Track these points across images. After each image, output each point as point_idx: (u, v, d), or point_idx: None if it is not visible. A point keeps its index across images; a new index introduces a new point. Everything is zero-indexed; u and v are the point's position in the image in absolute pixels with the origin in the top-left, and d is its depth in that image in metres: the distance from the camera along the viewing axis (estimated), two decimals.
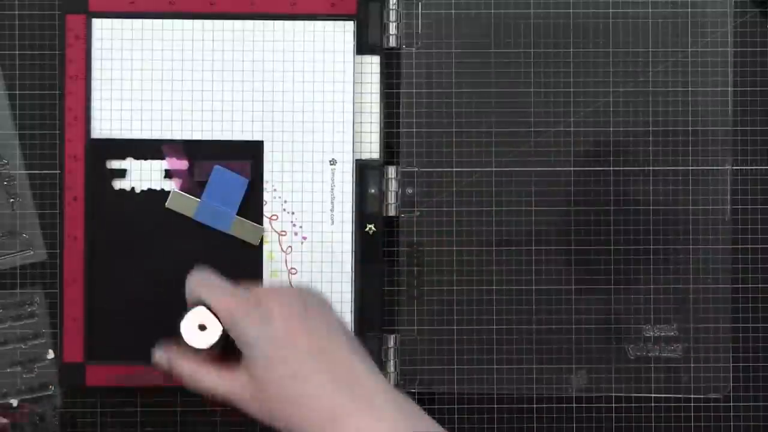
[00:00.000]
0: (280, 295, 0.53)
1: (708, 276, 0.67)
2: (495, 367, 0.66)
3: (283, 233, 0.66)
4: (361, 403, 0.50)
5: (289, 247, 0.66)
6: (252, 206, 0.66)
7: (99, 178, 0.65)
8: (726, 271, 0.67)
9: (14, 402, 0.65)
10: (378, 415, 0.50)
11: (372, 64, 0.66)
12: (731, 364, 0.67)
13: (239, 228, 0.65)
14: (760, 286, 0.67)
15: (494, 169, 0.67)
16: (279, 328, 0.51)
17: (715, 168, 0.67)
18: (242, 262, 0.65)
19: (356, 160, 0.66)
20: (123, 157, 0.65)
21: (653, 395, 0.67)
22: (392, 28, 0.66)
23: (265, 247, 0.66)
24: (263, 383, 0.51)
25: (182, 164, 0.65)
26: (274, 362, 0.51)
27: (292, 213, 0.66)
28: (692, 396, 0.66)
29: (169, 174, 0.65)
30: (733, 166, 0.67)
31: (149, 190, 0.66)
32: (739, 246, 0.67)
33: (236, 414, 0.53)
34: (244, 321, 0.52)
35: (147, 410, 0.66)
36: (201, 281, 0.55)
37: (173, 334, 0.55)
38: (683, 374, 0.67)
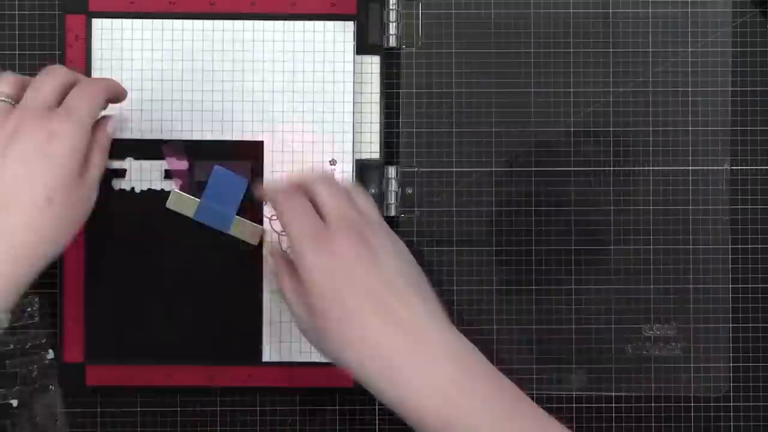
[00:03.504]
0: (349, 229, 0.53)
1: (707, 276, 0.67)
2: (495, 366, 0.66)
3: (284, 233, 0.66)
4: (419, 349, 0.50)
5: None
6: (252, 206, 0.66)
7: None
8: (725, 270, 0.67)
9: (14, 402, 0.65)
10: (434, 363, 0.49)
11: (372, 64, 0.66)
12: (731, 364, 0.67)
13: (239, 228, 0.65)
14: (759, 286, 0.67)
15: (494, 169, 0.67)
16: (341, 264, 0.52)
17: (714, 168, 0.67)
18: (242, 262, 0.65)
19: (356, 159, 0.66)
20: (123, 157, 0.65)
21: (653, 395, 0.67)
22: (392, 28, 0.66)
23: (265, 247, 0.66)
24: (322, 318, 0.51)
25: (182, 164, 0.65)
26: (332, 299, 0.51)
27: None
28: (692, 395, 0.67)
29: (169, 174, 0.65)
30: (731, 166, 0.67)
31: (149, 190, 0.66)
32: (739, 246, 0.67)
33: None
34: (307, 247, 0.52)
35: (147, 410, 0.66)
36: (278, 192, 0.56)
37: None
38: (682, 374, 0.67)
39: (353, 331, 0.51)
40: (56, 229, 0.55)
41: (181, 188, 0.65)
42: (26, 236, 0.54)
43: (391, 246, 0.54)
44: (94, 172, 0.58)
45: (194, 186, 0.65)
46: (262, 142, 0.66)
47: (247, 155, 0.66)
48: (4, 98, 0.56)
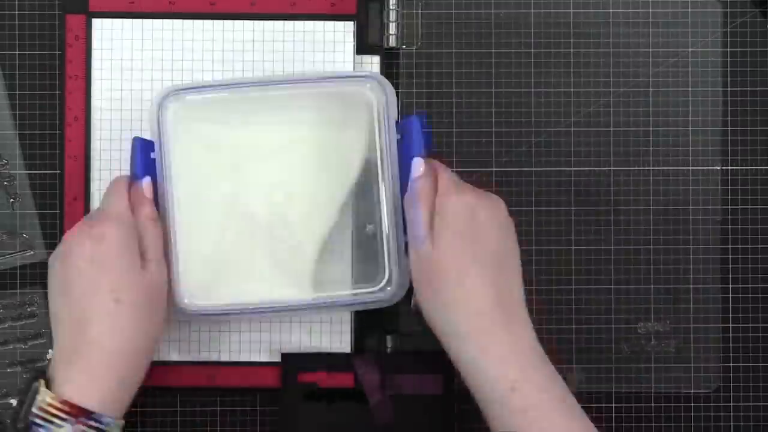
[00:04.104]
0: (460, 201, 0.57)
1: (699, 275, 0.67)
2: None
3: None
4: (507, 321, 0.55)
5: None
6: None
7: None
8: (717, 270, 0.67)
9: (14, 402, 0.65)
10: (518, 335, 0.55)
11: (372, 64, 0.66)
12: (721, 364, 0.67)
13: None
14: (750, 286, 0.67)
15: (494, 169, 0.67)
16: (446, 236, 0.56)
17: (705, 168, 0.67)
18: None
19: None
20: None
21: (653, 393, 0.67)
22: (392, 28, 0.66)
23: None
24: (430, 271, 0.56)
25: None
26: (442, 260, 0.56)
27: None
28: (682, 392, 0.67)
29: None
30: (723, 166, 0.67)
31: None
32: (729, 246, 0.67)
33: None
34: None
35: (147, 410, 0.66)
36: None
37: None
38: (675, 371, 0.67)
39: (457, 293, 0.55)
40: (137, 326, 0.56)
41: None
42: (112, 341, 0.55)
43: (493, 215, 0.59)
44: (153, 259, 0.58)
45: None
46: None
47: None
48: None
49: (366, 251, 0.63)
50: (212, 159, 0.63)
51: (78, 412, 0.53)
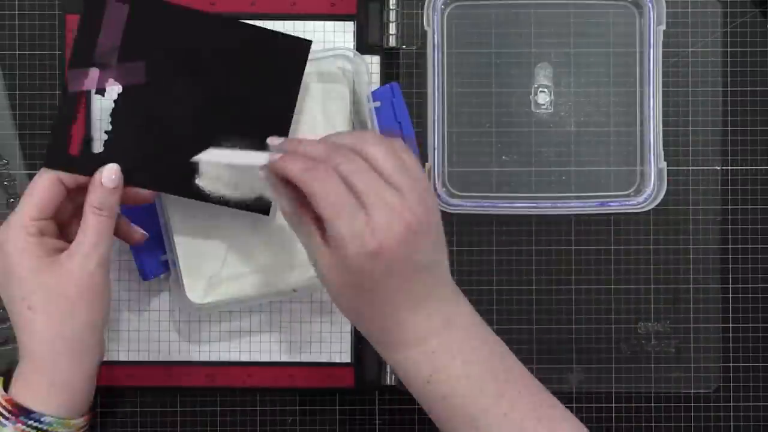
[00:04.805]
0: (384, 200, 0.49)
1: (699, 275, 0.67)
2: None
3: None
4: (447, 334, 0.51)
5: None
6: None
7: None
8: (716, 270, 0.67)
9: None
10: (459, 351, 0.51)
11: (372, 64, 0.66)
12: (721, 364, 0.67)
13: None
14: (750, 286, 0.67)
15: (494, 169, 0.67)
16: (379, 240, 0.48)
17: (705, 168, 0.67)
18: None
19: None
20: None
21: (653, 393, 0.67)
22: (392, 28, 0.66)
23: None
24: (357, 274, 0.49)
25: None
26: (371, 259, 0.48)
27: None
28: (681, 393, 0.67)
29: None
30: (723, 166, 0.67)
31: None
32: (729, 246, 0.67)
33: None
34: (342, 220, 0.49)
35: (147, 410, 0.66)
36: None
37: None
38: (675, 371, 0.67)
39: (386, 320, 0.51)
40: (56, 329, 0.54)
41: None
42: (32, 347, 0.54)
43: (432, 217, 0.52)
44: (78, 253, 0.54)
45: None
46: None
47: None
48: None
49: None
50: None
51: (18, 411, 0.53)
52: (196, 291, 0.62)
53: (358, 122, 0.64)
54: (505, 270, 0.67)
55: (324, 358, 0.66)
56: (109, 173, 0.55)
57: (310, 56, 0.61)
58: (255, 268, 0.63)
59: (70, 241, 0.55)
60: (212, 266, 0.62)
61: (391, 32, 0.66)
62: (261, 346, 0.66)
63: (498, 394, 0.50)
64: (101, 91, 0.57)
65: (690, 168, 0.67)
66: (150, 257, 0.63)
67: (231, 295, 0.62)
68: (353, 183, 0.49)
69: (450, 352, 0.51)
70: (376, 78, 0.66)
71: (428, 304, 0.51)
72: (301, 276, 0.63)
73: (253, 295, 0.63)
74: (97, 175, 0.55)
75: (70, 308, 0.54)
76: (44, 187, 0.55)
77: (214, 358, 0.66)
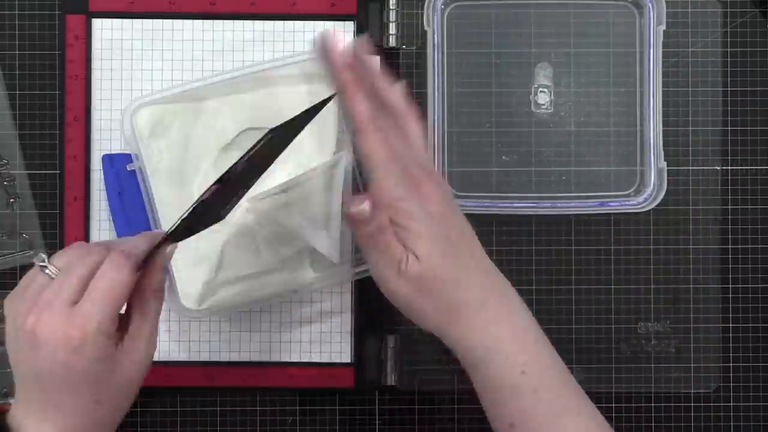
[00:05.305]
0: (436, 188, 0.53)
1: (699, 275, 0.67)
2: None
3: None
4: (497, 293, 0.54)
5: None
6: None
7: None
8: (716, 270, 0.67)
9: (14, 402, 0.65)
10: (509, 306, 0.54)
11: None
12: (721, 364, 0.67)
13: None
14: (750, 286, 0.67)
15: (494, 169, 0.67)
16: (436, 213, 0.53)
17: (705, 168, 0.67)
18: None
19: (356, 159, 0.66)
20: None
21: (652, 393, 0.67)
22: (392, 28, 0.66)
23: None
24: (429, 263, 0.52)
25: None
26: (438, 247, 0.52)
27: None
28: (682, 392, 0.67)
29: None
30: (723, 166, 0.67)
31: None
32: (729, 246, 0.67)
33: None
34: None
35: (147, 410, 0.66)
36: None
37: None
38: (675, 371, 0.67)
39: (456, 272, 0.53)
40: (114, 415, 0.52)
41: None
42: (85, 427, 0.51)
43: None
44: (138, 337, 0.51)
45: None
46: None
47: None
48: (49, 271, 0.50)
49: None
50: (192, 157, 0.63)
51: None
52: (191, 298, 0.62)
53: (347, 122, 0.63)
54: (505, 270, 0.66)
55: (324, 358, 0.66)
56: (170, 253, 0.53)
57: (297, 58, 0.62)
58: (250, 273, 0.63)
59: None
60: (207, 272, 0.62)
61: (391, 32, 0.66)
62: (261, 346, 0.66)
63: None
64: None
65: (690, 168, 0.67)
66: None
67: (227, 301, 0.63)
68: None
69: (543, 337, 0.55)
70: None
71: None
72: (299, 278, 0.63)
73: (249, 299, 0.63)
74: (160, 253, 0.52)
75: (128, 396, 0.52)
76: (128, 284, 0.50)
77: (214, 358, 0.66)
